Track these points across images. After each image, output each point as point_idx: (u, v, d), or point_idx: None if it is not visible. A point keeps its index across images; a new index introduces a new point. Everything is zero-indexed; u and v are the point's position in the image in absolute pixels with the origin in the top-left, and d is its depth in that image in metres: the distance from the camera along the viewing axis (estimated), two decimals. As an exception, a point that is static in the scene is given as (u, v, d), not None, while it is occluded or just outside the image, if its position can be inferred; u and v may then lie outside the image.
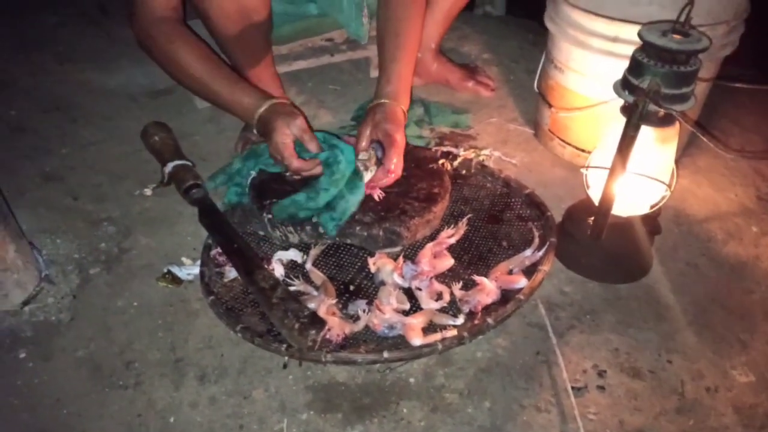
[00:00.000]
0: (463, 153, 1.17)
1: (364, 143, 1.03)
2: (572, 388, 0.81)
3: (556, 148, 1.23)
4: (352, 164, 1.00)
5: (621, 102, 0.87)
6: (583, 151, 1.17)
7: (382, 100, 1.04)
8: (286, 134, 0.97)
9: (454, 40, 1.65)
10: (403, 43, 1.08)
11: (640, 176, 0.88)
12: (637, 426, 0.77)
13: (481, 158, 1.17)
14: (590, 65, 1.08)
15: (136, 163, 1.24)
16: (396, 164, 1.00)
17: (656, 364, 0.85)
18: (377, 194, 1.01)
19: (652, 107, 0.81)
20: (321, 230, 0.97)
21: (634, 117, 0.81)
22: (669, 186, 0.90)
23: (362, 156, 1.02)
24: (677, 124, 0.87)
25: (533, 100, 1.33)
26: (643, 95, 0.79)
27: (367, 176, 1.00)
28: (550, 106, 1.19)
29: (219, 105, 1.06)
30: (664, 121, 0.85)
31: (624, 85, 0.85)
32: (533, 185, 1.10)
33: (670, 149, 0.89)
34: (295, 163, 0.98)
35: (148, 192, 1.16)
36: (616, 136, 0.85)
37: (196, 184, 1.09)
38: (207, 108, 1.41)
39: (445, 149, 1.18)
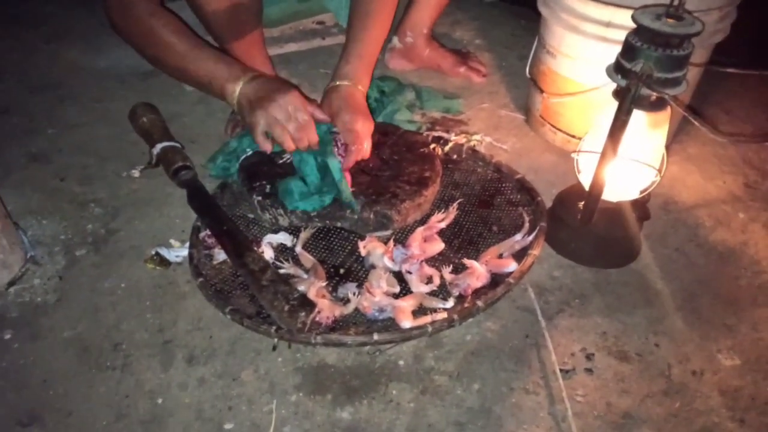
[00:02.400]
0: (454, 138, 1.17)
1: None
2: (561, 370, 0.81)
3: (548, 134, 1.23)
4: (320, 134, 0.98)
5: (612, 88, 0.87)
6: (573, 137, 1.17)
7: (338, 83, 1.02)
8: (296, 94, 0.95)
9: (447, 26, 1.64)
10: (369, 23, 1.06)
11: (630, 161, 0.88)
12: (624, 408, 0.78)
13: (472, 143, 1.17)
14: (583, 50, 1.08)
15: (125, 144, 1.23)
16: (361, 149, 0.99)
17: (644, 347, 0.85)
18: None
19: (644, 91, 0.81)
20: (311, 212, 0.97)
21: (627, 101, 0.81)
22: (659, 171, 0.90)
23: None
24: (669, 109, 0.87)
25: (525, 86, 1.33)
26: (636, 79, 0.79)
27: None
28: (542, 91, 1.19)
29: (197, 82, 1.01)
30: (656, 105, 0.85)
31: (616, 69, 0.84)
32: (524, 171, 1.10)
33: (661, 134, 0.89)
34: (318, 113, 0.96)
35: (136, 173, 1.15)
36: (608, 121, 0.85)
37: (184, 166, 1.08)
38: (196, 90, 1.39)
39: (436, 134, 1.18)
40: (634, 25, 0.81)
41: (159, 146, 1.11)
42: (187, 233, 0.99)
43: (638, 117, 0.85)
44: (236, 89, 0.96)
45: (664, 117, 0.87)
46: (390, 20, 1.10)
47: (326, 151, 0.97)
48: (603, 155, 0.87)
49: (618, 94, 0.86)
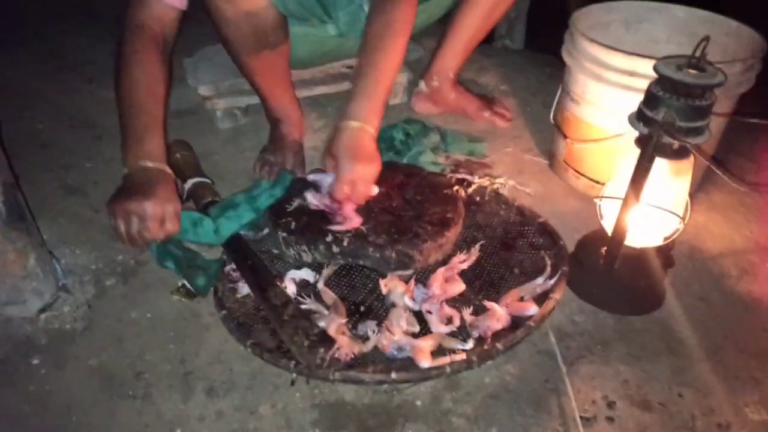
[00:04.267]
0: (477, 180, 1.18)
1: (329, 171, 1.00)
2: (581, 417, 0.80)
3: (571, 179, 1.24)
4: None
5: (636, 134, 0.88)
6: (597, 182, 1.18)
7: (343, 123, 0.98)
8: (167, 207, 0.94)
9: (473, 72, 1.68)
10: (379, 60, 1.01)
11: (653, 208, 0.88)
12: (646, 459, 0.76)
13: (495, 186, 1.18)
14: (606, 98, 1.09)
15: (157, 179, 1.27)
16: (357, 196, 0.98)
17: (667, 397, 0.84)
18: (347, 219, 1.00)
19: (666, 139, 0.82)
20: (334, 249, 0.99)
21: (649, 149, 0.82)
22: (683, 218, 0.90)
23: None
24: (691, 158, 0.87)
25: (549, 131, 1.34)
26: (658, 127, 0.80)
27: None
28: (566, 137, 1.20)
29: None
30: (679, 153, 0.85)
31: (639, 117, 0.86)
32: (547, 215, 1.11)
33: (684, 182, 0.89)
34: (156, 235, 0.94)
35: (167, 208, 1.18)
36: (631, 168, 0.86)
37: (214, 201, 1.11)
38: (228, 129, 1.44)
39: (459, 176, 1.19)
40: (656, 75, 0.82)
41: (191, 182, 1.15)
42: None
43: (661, 164, 0.86)
44: (124, 171, 0.98)
45: (687, 165, 0.87)
46: (401, 55, 1.05)
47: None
48: (625, 201, 0.88)
49: (640, 141, 0.87)
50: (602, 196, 0.95)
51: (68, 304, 0.98)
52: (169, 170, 1.01)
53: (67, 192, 1.23)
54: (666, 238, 0.93)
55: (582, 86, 1.13)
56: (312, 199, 1.03)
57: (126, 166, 0.98)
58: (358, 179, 0.97)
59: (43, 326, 0.94)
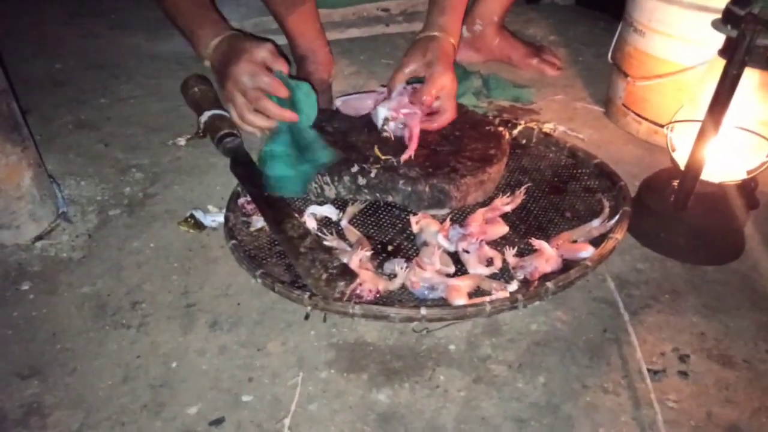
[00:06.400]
0: (523, 123, 1.06)
1: (404, 76, 0.95)
2: (648, 370, 0.66)
3: (630, 125, 1.10)
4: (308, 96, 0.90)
5: (711, 64, 0.74)
6: (661, 126, 1.04)
7: (435, 33, 0.96)
8: (256, 55, 0.87)
9: (519, 23, 1.55)
10: None
11: (738, 132, 0.74)
12: (730, 420, 0.62)
13: (544, 129, 1.05)
14: (678, 24, 0.95)
15: (174, 118, 1.18)
16: (444, 111, 0.93)
17: (753, 354, 0.70)
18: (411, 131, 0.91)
19: (762, 41, 0.68)
20: (360, 181, 0.87)
21: (738, 55, 0.69)
22: (775, 146, 0.76)
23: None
24: (789, 71, 0.73)
25: (604, 81, 1.21)
26: (753, 24, 0.67)
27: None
28: (626, 75, 1.06)
29: (186, 36, 0.99)
30: (775, 62, 0.71)
31: (726, 19, 0.72)
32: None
33: (778, 101, 0.75)
34: (273, 83, 0.87)
35: (181, 142, 1.09)
36: (711, 90, 0.72)
37: (231, 133, 1.01)
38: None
39: (504, 119, 1.07)
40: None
41: (207, 114, 1.05)
42: (226, 201, 0.91)
43: (751, 77, 0.72)
44: (207, 57, 0.92)
45: (783, 79, 0.73)
46: None
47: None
48: (705, 124, 0.74)
49: (726, 50, 0.73)
50: (674, 121, 0.81)
51: (67, 233, 0.89)
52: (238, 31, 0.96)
53: (78, 126, 1.15)
54: (750, 172, 0.79)
55: (649, 12, 1.00)
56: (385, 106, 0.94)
57: (206, 57, 0.94)
58: (447, 88, 0.93)
59: (38, 254, 0.85)
